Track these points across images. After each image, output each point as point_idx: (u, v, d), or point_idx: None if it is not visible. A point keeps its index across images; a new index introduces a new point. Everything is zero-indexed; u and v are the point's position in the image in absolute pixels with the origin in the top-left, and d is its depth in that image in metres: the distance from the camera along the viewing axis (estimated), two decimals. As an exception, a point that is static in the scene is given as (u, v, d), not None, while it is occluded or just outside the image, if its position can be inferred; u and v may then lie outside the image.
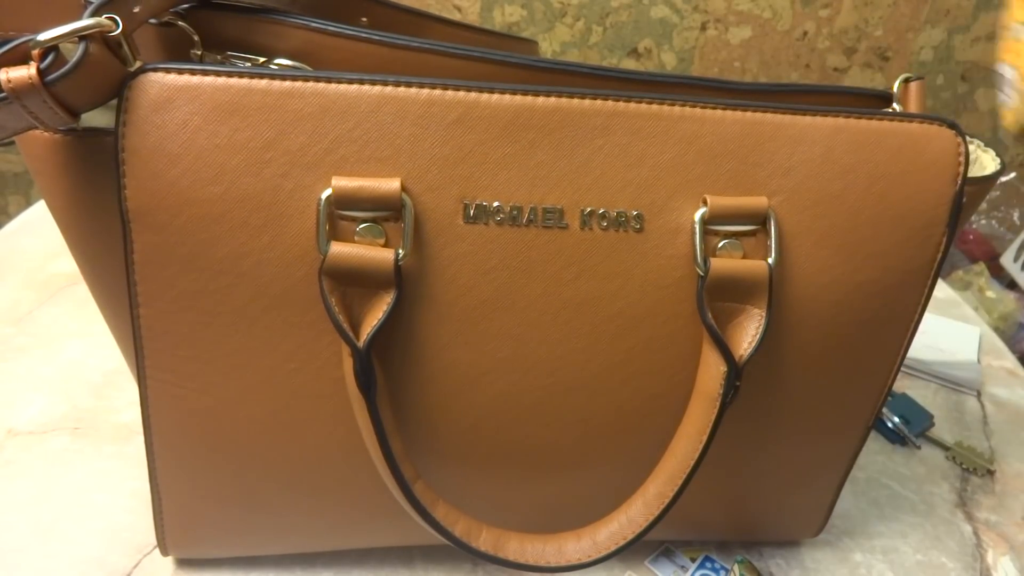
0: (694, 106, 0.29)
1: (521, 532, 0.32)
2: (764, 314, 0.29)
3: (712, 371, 0.30)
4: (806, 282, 0.30)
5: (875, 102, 0.35)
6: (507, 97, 0.28)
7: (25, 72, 0.23)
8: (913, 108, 0.34)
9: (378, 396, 0.28)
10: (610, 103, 0.28)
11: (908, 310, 0.32)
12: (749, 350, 0.29)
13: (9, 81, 0.22)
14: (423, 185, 0.27)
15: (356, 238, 0.27)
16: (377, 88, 0.27)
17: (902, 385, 0.55)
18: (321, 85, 0.26)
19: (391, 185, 0.27)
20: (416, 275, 0.28)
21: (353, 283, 0.27)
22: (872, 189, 0.30)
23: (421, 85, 0.27)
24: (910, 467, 0.48)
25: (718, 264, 0.29)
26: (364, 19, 0.36)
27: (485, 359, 0.30)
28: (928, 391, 0.55)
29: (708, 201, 0.29)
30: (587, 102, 0.28)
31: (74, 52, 0.23)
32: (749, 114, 0.29)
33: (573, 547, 0.32)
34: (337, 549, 0.37)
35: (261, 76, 0.26)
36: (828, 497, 0.39)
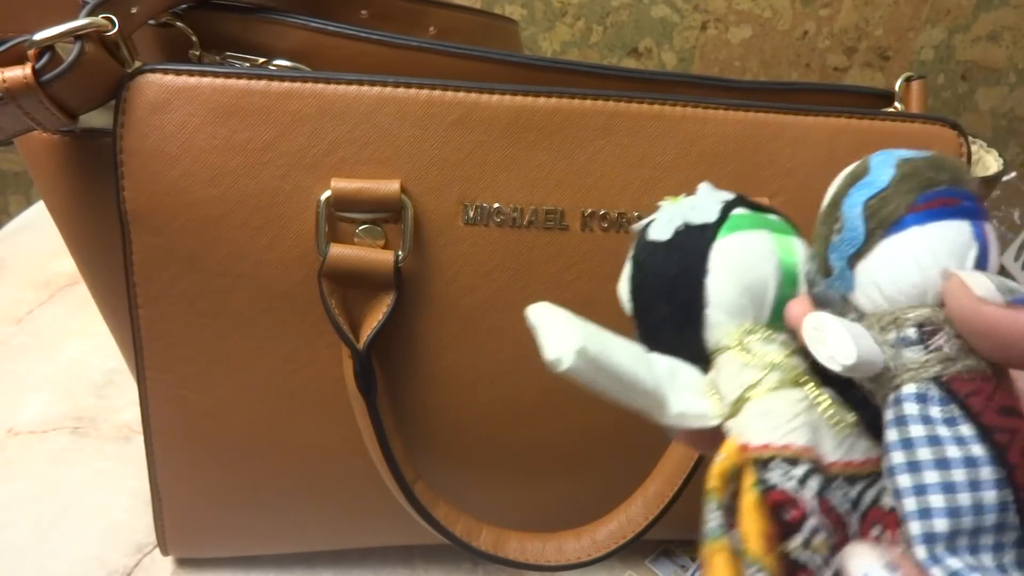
0: (696, 106, 0.29)
1: (521, 531, 0.32)
2: (765, 315, 0.29)
3: (712, 372, 0.30)
4: (807, 283, 0.30)
5: (877, 101, 0.35)
6: (507, 98, 0.27)
7: (20, 72, 0.23)
8: (914, 107, 0.34)
9: (378, 397, 0.28)
10: (611, 104, 0.28)
11: (909, 311, 0.32)
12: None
13: (4, 81, 0.22)
14: (423, 186, 0.27)
15: (356, 240, 0.27)
16: (376, 89, 0.27)
17: (903, 385, 0.55)
18: (320, 86, 0.26)
19: (391, 187, 0.27)
20: (416, 276, 0.28)
21: (353, 285, 0.27)
22: (873, 190, 0.30)
23: (421, 86, 0.27)
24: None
25: (719, 265, 0.29)
26: (364, 12, 0.36)
27: (485, 360, 0.30)
28: (929, 391, 0.55)
29: (709, 202, 0.29)
30: (588, 103, 0.28)
31: (70, 52, 0.23)
32: (751, 114, 0.29)
33: (573, 546, 0.32)
34: (337, 549, 0.37)
35: (260, 77, 0.26)
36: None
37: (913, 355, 0.16)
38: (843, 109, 0.30)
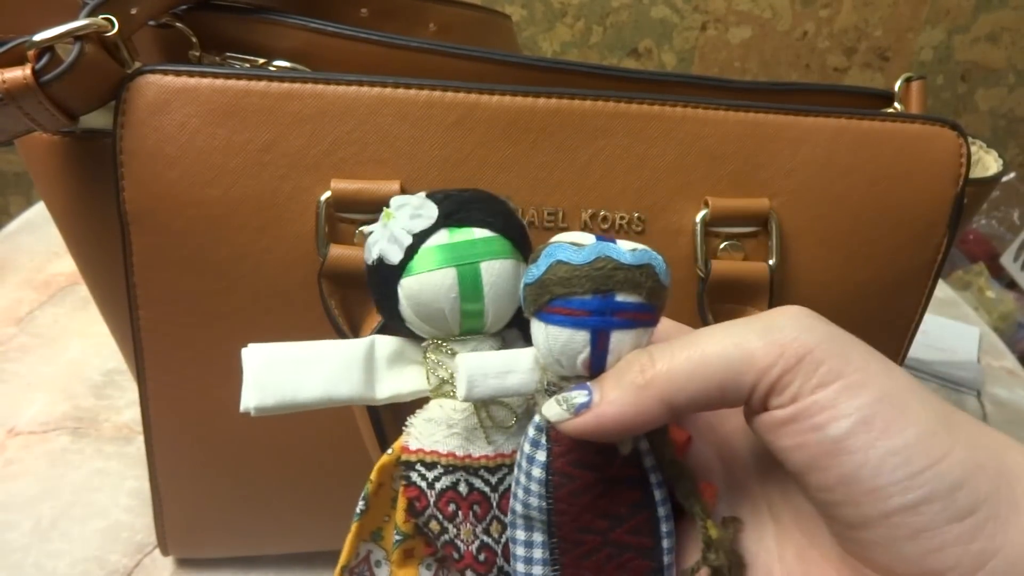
0: (696, 107, 0.29)
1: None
2: (764, 316, 0.29)
3: (712, 373, 0.30)
4: (807, 283, 0.30)
5: (876, 102, 0.35)
6: (507, 99, 0.27)
7: (20, 73, 0.23)
8: (914, 108, 0.34)
9: (378, 398, 0.28)
10: (611, 104, 0.28)
11: (909, 311, 0.32)
12: (749, 352, 0.29)
13: (4, 82, 0.22)
14: (423, 187, 0.27)
15: (356, 240, 0.27)
16: (376, 89, 0.27)
17: (902, 385, 0.55)
18: (320, 87, 0.26)
19: (390, 187, 0.27)
20: (416, 277, 0.28)
21: (353, 285, 0.27)
22: (874, 190, 0.30)
23: (420, 86, 0.27)
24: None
25: (719, 266, 0.29)
26: (364, 10, 0.36)
27: (485, 360, 0.30)
28: (928, 391, 0.55)
29: (709, 203, 0.29)
30: (588, 103, 0.28)
31: (70, 53, 0.23)
32: (751, 115, 0.29)
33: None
34: (336, 549, 0.37)
35: (259, 78, 0.26)
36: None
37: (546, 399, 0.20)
38: (843, 109, 0.30)
